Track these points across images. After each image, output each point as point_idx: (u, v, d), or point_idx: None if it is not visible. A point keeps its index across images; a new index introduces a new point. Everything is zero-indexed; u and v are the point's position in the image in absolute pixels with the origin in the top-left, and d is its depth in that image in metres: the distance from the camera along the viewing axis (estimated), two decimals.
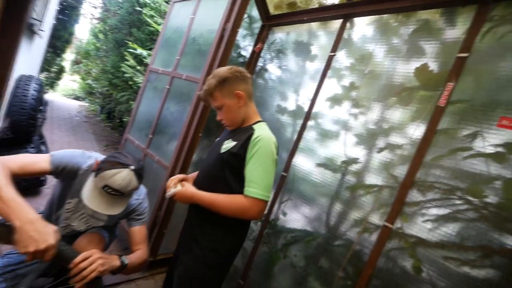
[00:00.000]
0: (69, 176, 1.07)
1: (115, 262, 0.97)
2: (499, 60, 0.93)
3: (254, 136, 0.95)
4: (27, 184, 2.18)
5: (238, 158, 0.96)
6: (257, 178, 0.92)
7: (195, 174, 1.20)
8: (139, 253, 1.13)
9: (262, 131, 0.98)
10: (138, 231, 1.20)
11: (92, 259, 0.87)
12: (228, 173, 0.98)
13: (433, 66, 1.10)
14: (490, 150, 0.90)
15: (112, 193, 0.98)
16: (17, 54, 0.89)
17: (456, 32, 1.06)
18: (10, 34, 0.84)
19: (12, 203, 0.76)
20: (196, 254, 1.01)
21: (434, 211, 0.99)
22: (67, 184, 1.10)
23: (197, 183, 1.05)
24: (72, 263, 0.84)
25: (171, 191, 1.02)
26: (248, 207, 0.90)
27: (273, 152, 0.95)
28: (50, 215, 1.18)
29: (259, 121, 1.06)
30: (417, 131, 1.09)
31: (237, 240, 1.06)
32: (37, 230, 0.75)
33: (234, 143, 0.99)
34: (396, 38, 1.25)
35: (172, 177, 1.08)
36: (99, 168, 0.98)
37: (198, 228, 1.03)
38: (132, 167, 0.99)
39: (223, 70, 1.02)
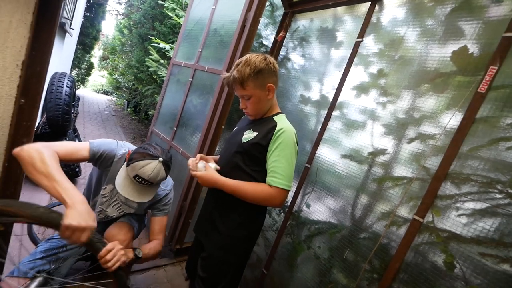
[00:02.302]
0: (105, 163, 1.15)
1: (130, 254, 1.04)
2: None
3: (277, 128, 0.97)
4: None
5: (259, 148, 0.99)
6: (281, 169, 0.94)
7: (216, 157, 1.23)
8: (155, 244, 1.20)
9: (284, 123, 1.00)
10: (160, 221, 1.26)
11: (114, 251, 0.93)
12: (248, 162, 1.02)
13: (473, 48, 1.01)
14: None
15: (142, 182, 1.04)
16: (51, 53, 0.95)
17: (502, 9, 0.96)
18: (44, 34, 0.89)
19: (65, 185, 0.83)
20: (215, 240, 1.06)
21: (470, 205, 0.94)
22: (103, 171, 1.19)
23: (219, 172, 1.08)
24: (98, 256, 0.90)
25: (198, 170, 1.04)
26: (274, 196, 0.94)
27: (295, 144, 0.99)
28: (87, 201, 1.28)
29: (279, 113, 1.08)
30: (452, 120, 1.02)
31: (255, 225, 1.09)
32: (85, 210, 0.82)
33: (255, 133, 1.01)
34: (431, 20, 1.16)
35: (191, 159, 1.10)
36: (130, 159, 1.04)
37: (217, 214, 1.08)
38: (161, 158, 1.05)
39: (258, 59, 0.98)
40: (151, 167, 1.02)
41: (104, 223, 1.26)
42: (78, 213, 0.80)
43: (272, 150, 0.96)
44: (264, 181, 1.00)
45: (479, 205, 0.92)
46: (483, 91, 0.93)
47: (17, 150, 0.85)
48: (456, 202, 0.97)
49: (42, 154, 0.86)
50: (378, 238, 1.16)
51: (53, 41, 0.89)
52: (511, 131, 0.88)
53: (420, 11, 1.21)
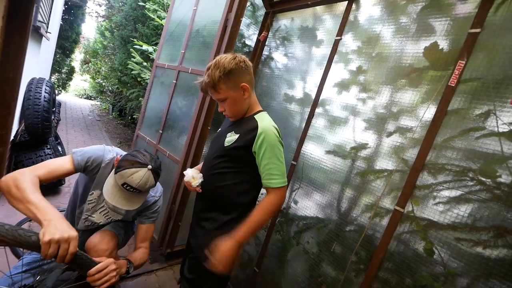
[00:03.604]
0: (92, 170, 1.13)
1: (124, 269, 1.03)
2: None
3: (259, 132, 0.96)
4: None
5: (243, 151, 0.99)
6: (276, 169, 0.96)
7: (199, 166, 1.23)
8: (142, 254, 1.20)
9: (264, 122, 0.99)
10: (147, 228, 1.26)
11: (106, 271, 0.91)
12: (234, 164, 1.02)
13: (443, 44, 1.06)
14: (504, 128, 0.87)
15: (131, 190, 1.03)
16: (25, 58, 0.92)
17: (467, 6, 1.01)
18: (16, 39, 0.87)
19: (40, 204, 0.83)
20: (203, 240, 1.05)
21: (446, 193, 0.99)
22: (90, 178, 1.17)
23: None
24: (88, 274, 0.87)
25: (197, 182, 1.04)
26: (278, 199, 0.96)
27: (279, 140, 1.00)
28: (74, 209, 1.25)
29: (260, 111, 1.07)
30: (427, 112, 1.07)
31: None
32: (63, 224, 0.81)
33: (237, 135, 1.00)
34: (404, 17, 1.20)
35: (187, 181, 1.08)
36: (118, 166, 1.03)
37: (205, 216, 1.07)
38: (150, 166, 1.04)
39: (227, 60, 0.96)
40: (139, 175, 1.01)
41: (90, 231, 1.23)
42: (56, 226, 0.78)
43: (261, 154, 0.96)
44: (251, 180, 1.01)
45: (453, 193, 0.97)
46: (453, 85, 0.98)
47: None
48: (433, 191, 1.02)
49: (18, 181, 0.86)
50: (363, 230, 1.20)
51: (26, 45, 0.86)
52: (479, 121, 0.93)
53: (393, 9, 1.25)
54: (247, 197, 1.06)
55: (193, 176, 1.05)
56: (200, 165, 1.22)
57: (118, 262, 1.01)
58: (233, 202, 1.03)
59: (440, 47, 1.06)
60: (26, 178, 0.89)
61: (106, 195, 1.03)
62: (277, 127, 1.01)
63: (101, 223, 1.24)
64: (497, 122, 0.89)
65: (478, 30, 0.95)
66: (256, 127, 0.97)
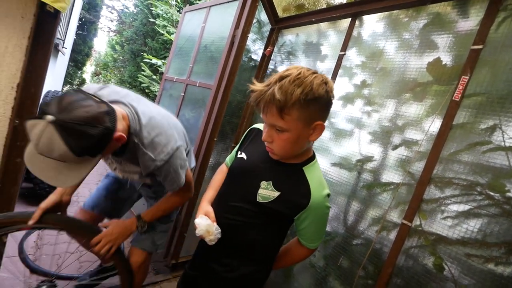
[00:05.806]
0: None
1: (129, 232, 1.05)
2: None
3: (310, 205, 0.75)
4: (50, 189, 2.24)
5: (283, 216, 0.80)
6: (321, 235, 0.86)
7: (209, 196, 0.93)
8: (162, 202, 1.09)
9: (317, 191, 0.75)
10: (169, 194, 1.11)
11: (101, 244, 0.99)
12: (266, 220, 0.82)
13: (446, 59, 1.08)
14: (511, 143, 0.87)
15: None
16: (46, 74, 0.98)
17: (469, 23, 1.04)
18: (39, 57, 0.93)
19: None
20: None
21: (454, 208, 0.98)
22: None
23: (222, 216, 0.82)
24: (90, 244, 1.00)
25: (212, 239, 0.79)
26: (308, 255, 0.93)
27: (329, 210, 0.82)
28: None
29: (311, 159, 0.80)
30: (432, 126, 1.08)
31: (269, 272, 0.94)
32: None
33: (277, 193, 0.76)
34: (407, 33, 1.24)
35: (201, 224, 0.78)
36: None
37: (217, 266, 0.88)
38: (51, 117, 0.61)
39: (317, 82, 0.65)
40: (35, 133, 0.62)
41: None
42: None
43: (306, 224, 0.80)
44: (283, 231, 0.88)
45: (461, 207, 0.96)
46: (457, 99, 0.99)
47: None
48: (440, 205, 1.01)
49: None
50: (370, 244, 1.18)
51: (47, 64, 0.92)
52: (485, 135, 0.94)
53: (396, 25, 1.29)
54: (275, 246, 0.90)
55: (207, 230, 0.78)
56: (209, 195, 0.93)
57: (122, 225, 1.04)
58: (259, 254, 0.87)
59: (443, 63, 1.08)
60: None
61: (26, 160, 0.69)
62: (329, 190, 0.78)
63: (136, 175, 1.05)
64: (503, 137, 0.90)
65: (480, 46, 0.97)
66: (308, 197, 0.74)
